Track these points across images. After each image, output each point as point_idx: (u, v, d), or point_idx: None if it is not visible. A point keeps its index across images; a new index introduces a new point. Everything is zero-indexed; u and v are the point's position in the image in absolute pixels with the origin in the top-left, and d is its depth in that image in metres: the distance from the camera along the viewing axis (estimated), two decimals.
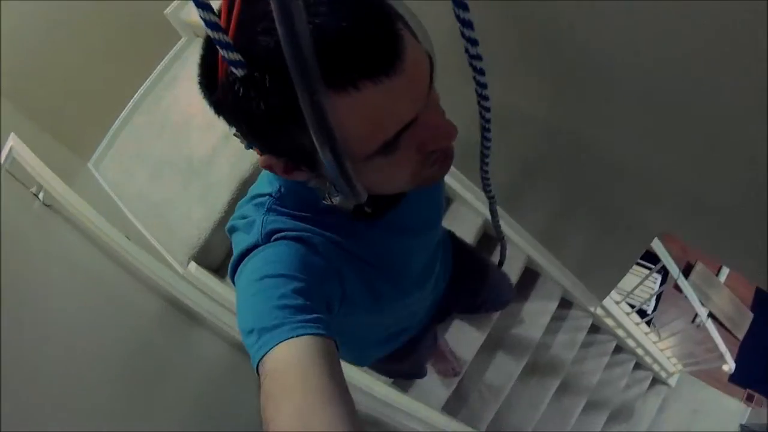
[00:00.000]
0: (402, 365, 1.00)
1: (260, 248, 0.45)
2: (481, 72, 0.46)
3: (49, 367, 0.71)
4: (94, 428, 0.67)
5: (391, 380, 1.52)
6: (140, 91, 1.60)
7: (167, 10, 1.57)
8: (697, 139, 0.87)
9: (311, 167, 0.39)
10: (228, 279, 1.51)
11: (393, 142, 0.36)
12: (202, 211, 1.44)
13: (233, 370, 1.26)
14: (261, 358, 0.37)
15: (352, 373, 1.30)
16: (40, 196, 1.16)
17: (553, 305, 1.71)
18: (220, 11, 0.32)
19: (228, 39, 0.30)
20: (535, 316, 1.70)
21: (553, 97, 1.10)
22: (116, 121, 1.61)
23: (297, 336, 0.36)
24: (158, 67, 1.60)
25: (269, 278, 0.41)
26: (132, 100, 1.61)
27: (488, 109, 0.53)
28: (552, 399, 1.79)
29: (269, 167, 0.40)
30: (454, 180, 1.53)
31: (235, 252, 0.47)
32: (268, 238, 0.45)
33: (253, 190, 0.52)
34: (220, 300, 1.33)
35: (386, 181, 0.41)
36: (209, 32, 0.30)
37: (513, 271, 1.58)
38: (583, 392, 1.92)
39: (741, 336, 2.87)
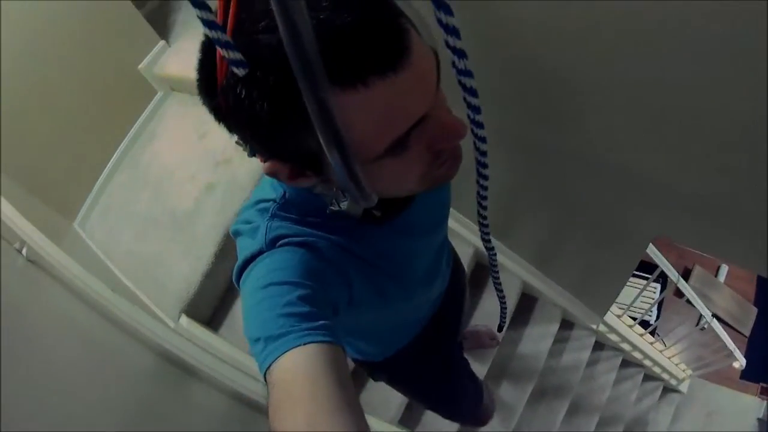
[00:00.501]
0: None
1: (265, 254, 0.44)
2: (473, 93, 0.40)
3: (40, 428, 0.67)
4: None
5: (398, 420, 1.49)
6: (119, 149, 1.60)
7: (141, 66, 1.57)
8: (685, 135, 0.85)
9: (318, 171, 0.38)
10: (222, 331, 1.46)
11: (403, 140, 0.35)
12: (189, 265, 1.42)
13: (232, 421, 1.23)
14: (268, 368, 0.36)
15: None
16: (24, 251, 1.15)
17: (554, 327, 1.69)
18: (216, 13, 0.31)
19: (227, 38, 0.29)
20: (537, 340, 1.67)
21: (532, 112, 1.09)
22: (98, 181, 1.60)
23: (303, 344, 0.36)
24: (136, 124, 1.60)
25: (274, 286, 0.40)
26: (112, 159, 1.60)
27: (483, 139, 0.45)
28: (563, 421, 1.76)
29: (274, 174, 0.39)
30: None
31: (240, 257, 0.46)
32: (272, 244, 0.45)
33: (256, 194, 0.51)
34: (214, 352, 1.30)
35: (396, 183, 0.40)
36: (208, 32, 0.29)
37: (510, 297, 1.55)
38: (595, 411, 1.88)
39: (747, 332, 2.84)
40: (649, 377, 2.17)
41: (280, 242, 0.45)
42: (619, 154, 1.04)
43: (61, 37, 1.47)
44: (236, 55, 0.30)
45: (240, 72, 0.30)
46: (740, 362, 2.11)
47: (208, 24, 0.29)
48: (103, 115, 1.60)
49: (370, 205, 0.39)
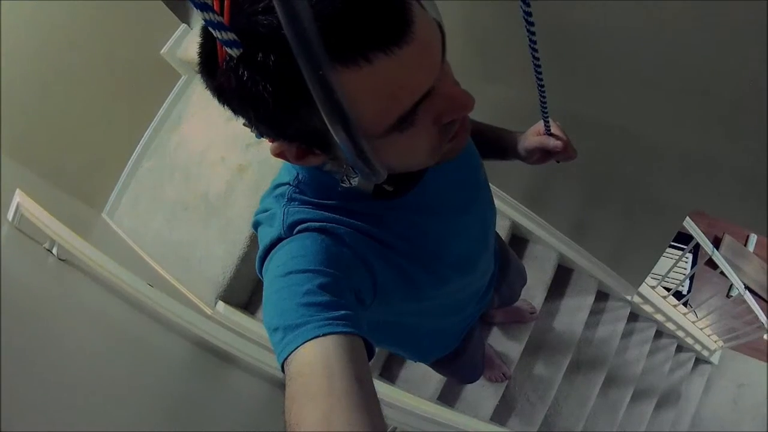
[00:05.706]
0: (457, 362, 0.96)
1: (284, 241, 0.44)
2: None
3: (82, 427, 0.67)
4: None
5: (437, 397, 1.49)
6: (145, 135, 1.58)
7: (163, 50, 1.55)
8: (718, 107, 0.84)
9: (325, 149, 0.37)
10: (259, 315, 1.45)
11: (409, 115, 0.34)
12: (224, 249, 1.41)
13: (272, 407, 1.23)
14: (286, 358, 0.35)
15: (396, 395, 1.26)
16: (54, 250, 1.14)
17: (590, 299, 1.67)
18: None
19: (220, 18, 0.29)
20: (573, 312, 1.66)
21: (565, 87, 1.07)
22: (125, 169, 1.59)
23: (323, 335, 0.35)
24: (161, 109, 1.58)
25: (294, 274, 0.40)
26: (138, 146, 1.59)
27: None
28: (599, 394, 1.75)
29: (281, 154, 0.39)
30: None
31: (261, 246, 0.46)
32: (291, 230, 0.44)
33: (274, 181, 0.50)
34: (252, 336, 1.30)
35: (406, 157, 0.40)
36: (200, 13, 0.28)
37: (546, 269, 1.54)
38: (629, 382, 1.87)
39: None
40: (681, 348, 2.15)
41: (299, 227, 0.44)
42: (652, 126, 1.03)
43: (81, 26, 1.45)
44: (229, 36, 0.29)
45: (234, 52, 0.30)
46: None
47: (199, 6, 0.28)
48: (128, 102, 1.59)
49: (380, 180, 0.38)
